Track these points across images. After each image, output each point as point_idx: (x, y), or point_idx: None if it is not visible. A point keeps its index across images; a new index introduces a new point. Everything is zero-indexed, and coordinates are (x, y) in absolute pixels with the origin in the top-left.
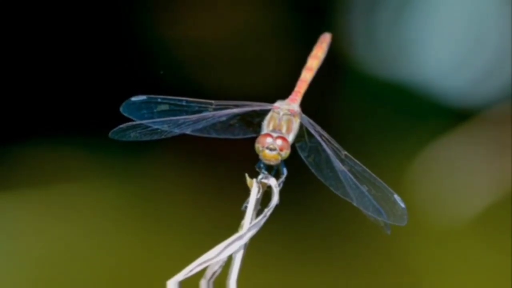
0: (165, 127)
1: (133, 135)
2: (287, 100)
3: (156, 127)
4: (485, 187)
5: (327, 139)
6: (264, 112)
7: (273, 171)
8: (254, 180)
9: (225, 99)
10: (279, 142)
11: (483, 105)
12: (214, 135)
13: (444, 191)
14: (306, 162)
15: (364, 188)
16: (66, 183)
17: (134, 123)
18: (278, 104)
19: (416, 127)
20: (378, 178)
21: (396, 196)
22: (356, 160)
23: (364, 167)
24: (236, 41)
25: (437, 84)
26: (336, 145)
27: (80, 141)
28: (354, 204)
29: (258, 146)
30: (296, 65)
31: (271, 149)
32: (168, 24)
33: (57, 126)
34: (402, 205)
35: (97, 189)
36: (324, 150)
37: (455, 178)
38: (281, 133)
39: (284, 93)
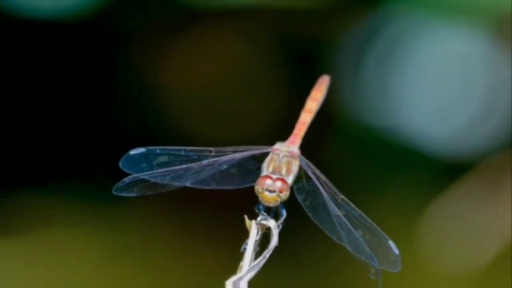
0: (167, 179)
1: (136, 190)
2: (286, 142)
3: (157, 181)
4: (485, 239)
5: (324, 182)
6: (264, 156)
7: (272, 212)
8: (253, 221)
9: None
10: (278, 184)
11: (469, 154)
12: (214, 187)
13: (443, 241)
14: (303, 205)
15: (359, 234)
16: (52, 230)
17: (136, 178)
18: (278, 146)
19: (402, 175)
20: (373, 224)
21: (390, 242)
22: (352, 205)
23: (361, 212)
24: (225, 89)
25: (423, 133)
26: (334, 188)
27: (66, 188)
28: (348, 249)
29: (257, 188)
30: (289, 109)
31: (270, 191)
32: (159, 74)
33: (43, 174)
34: (396, 251)
35: (84, 236)
36: (321, 194)
37: (453, 229)
38: (281, 175)
39: (280, 138)
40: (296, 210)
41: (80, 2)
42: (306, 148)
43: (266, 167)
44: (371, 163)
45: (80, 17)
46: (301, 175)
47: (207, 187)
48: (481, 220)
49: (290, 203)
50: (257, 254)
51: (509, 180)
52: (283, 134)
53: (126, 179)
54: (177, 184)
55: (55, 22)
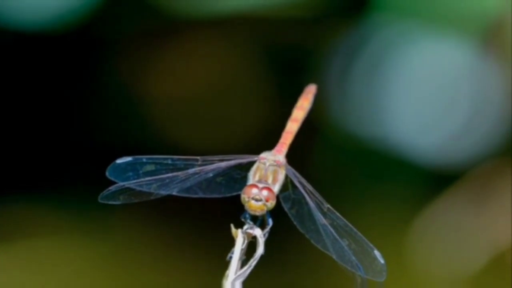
0: (153, 187)
1: (122, 198)
2: (273, 151)
3: (143, 189)
4: (474, 247)
5: (310, 191)
6: (250, 164)
7: (258, 221)
8: (239, 230)
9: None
10: (265, 192)
11: (458, 163)
12: (200, 195)
13: (432, 250)
14: (289, 214)
15: (344, 243)
16: (38, 238)
17: (122, 186)
18: (264, 155)
19: (389, 184)
20: (359, 233)
21: (376, 252)
22: (338, 214)
23: (346, 221)
24: (211, 98)
25: (411, 142)
26: (319, 198)
27: (53, 197)
28: (334, 258)
29: (244, 196)
30: (276, 118)
31: (257, 200)
32: (146, 83)
33: (30, 183)
34: (382, 260)
35: (70, 245)
36: (307, 203)
37: (442, 238)
38: (267, 183)
39: (267, 146)
40: (283, 218)
41: (63, 13)
42: (293, 157)
43: (253, 176)
44: (359, 173)
45: (64, 28)
46: (287, 184)
47: (193, 196)
48: (470, 228)
49: (276, 212)
50: (243, 262)
51: (497, 188)
52: (270, 143)
53: (112, 188)
54: (163, 192)
55: (38, 34)
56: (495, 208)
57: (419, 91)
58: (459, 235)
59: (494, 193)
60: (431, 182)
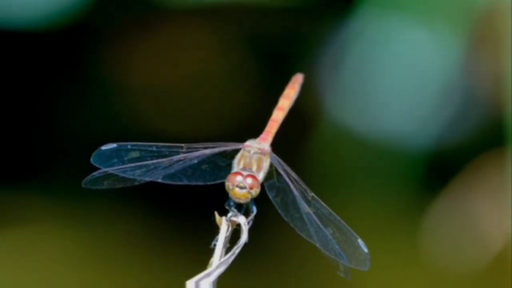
0: (137, 173)
1: (106, 183)
2: (258, 139)
3: (127, 175)
4: (474, 243)
5: (295, 179)
6: (235, 152)
7: (243, 209)
8: (224, 218)
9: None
10: (249, 180)
11: (451, 155)
12: (185, 182)
13: (431, 242)
14: (273, 202)
15: (328, 231)
16: (25, 227)
17: (106, 172)
18: (249, 143)
19: (380, 176)
20: (343, 222)
21: (359, 241)
22: (322, 203)
23: (330, 210)
24: (198, 87)
25: (403, 135)
26: (304, 186)
27: (37, 185)
28: (318, 246)
29: (228, 184)
30: (263, 107)
31: (241, 187)
32: (130, 72)
33: (16, 172)
34: (365, 249)
35: (56, 233)
36: (291, 191)
37: (443, 230)
38: (252, 171)
39: (253, 135)
40: (267, 206)
41: (51, 9)
42: (285, 150)
43: (237, 164)
44: (352, 165)
45: (51, 22)
46: (272, 172)
47: (178, 183)
48: (471, 224)
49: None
50: (227, 250)
51: (495, 180)
52: (256, 131)
53: (95, 173)
54: (147, 178)
55: (26, 30)
56: (494, 202)
57: (411, 83)
58: (460, 231)
59: (493, 185)
60: (425, 174)
